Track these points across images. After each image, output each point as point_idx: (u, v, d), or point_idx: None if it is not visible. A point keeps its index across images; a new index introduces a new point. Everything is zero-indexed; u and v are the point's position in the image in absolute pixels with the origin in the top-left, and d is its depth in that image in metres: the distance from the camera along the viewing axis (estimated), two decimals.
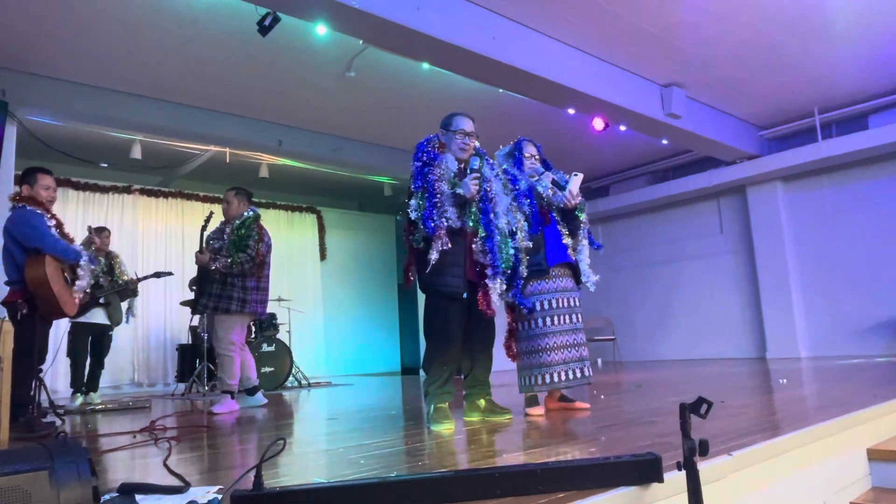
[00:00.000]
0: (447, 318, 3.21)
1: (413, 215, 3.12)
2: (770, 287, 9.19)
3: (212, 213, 5.09)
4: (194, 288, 4.82)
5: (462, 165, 3.29)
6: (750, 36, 6.24)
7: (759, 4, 5.68)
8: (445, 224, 3.07)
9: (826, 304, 8.78)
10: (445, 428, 3.00)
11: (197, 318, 7.23)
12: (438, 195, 3.11)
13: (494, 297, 3.21)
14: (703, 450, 1.53)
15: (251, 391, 5.02)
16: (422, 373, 9.38)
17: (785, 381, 4.85)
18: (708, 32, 6.15)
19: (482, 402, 3.39)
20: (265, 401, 5.10)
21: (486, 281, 3.19)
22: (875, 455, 2.69)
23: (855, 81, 7.51)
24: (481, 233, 3.18)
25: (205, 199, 9.68)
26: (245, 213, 4.84)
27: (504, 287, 3.25)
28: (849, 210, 8.66)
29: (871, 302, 8.28)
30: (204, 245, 4.82)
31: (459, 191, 3.14)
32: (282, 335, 8.16)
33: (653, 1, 5.55)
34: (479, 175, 3.18)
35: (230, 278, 4.64)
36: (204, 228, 4.90)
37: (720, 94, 7.72)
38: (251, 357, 5.00)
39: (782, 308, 9.04)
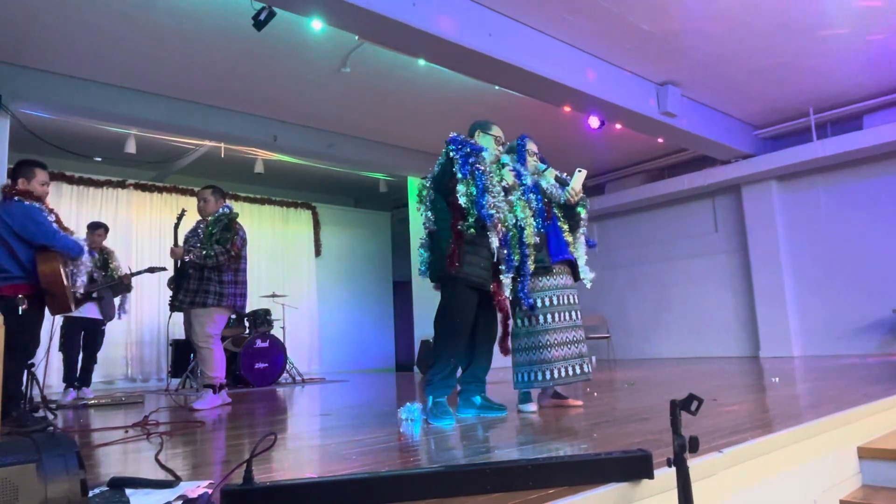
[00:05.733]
0: (465, 310, 3.26)
1: (462, 200, 3.15)
2: (764, 286, 9.21)
3: (184, 210, 5.08)
4: (173, 286, 4.82)
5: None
6: (746, 35, 6.24)
7: (754, 4, 5.69)
8: (500, 214, 3.18)
9: (820, 304, 8.81)
10: (446, 423, 3.01)
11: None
12: (491, 187, 3.19)
13: (507, 292, 3.29)
14: (694, 446, 1.54)
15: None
16: (416, 369, 9.41)
17: (777, 379, 4.86)
18: (704, 31, 6.15)
19: (478, 399, 3.41)
20: (228, 400, 4.91)
21: (501, 276, 3.30)
22: (866, 453, 2.71)
23: (850, 81, 7.52)
24: (509, 225, 3.31)
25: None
26: (220, 210, 4.85)
27: (511, 281, 3.33)
28: (843, 210, 8.68)
29: (865, 301, 8.32)
30: (180, 242, 4.84)
31: (506, 182, 3.32)
32: (276, 331, 8.15)
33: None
34: (512, 169, 3.45)
35: (206, 272, 4.66)
36: (177, 225, 4.91)
37: (716, 93, 7.73)
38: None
39: (776, 307, 9.07)
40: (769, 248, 9.21)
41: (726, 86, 7.49)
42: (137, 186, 9.32)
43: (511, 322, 3.61)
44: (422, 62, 6.33)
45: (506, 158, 3.58)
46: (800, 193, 9.11)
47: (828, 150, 8.30)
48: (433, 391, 3.21)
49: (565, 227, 3.69)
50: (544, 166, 3.78)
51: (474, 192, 3.13)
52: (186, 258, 4.64)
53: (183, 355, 7.79)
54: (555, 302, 3.53)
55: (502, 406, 3.41)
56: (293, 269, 10.81)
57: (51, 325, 6.04)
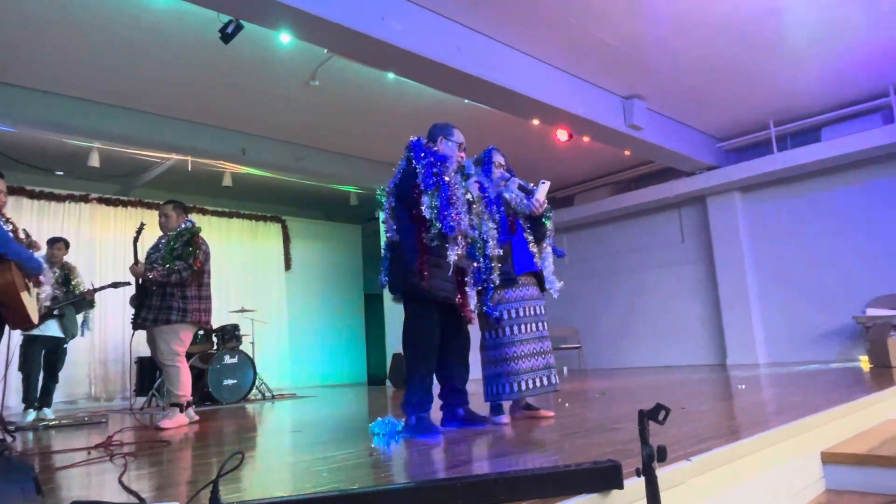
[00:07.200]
0: (433, 325, 3.20)
1: (427, 213, 3.06)
2: (729, 295, 9.40)
3: (143, 223, 4.94)
4: (135, 304, 4.70)
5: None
6: (709, 50, 6.41)
7: (718, 20, 5.85)
8: (462, 227, 3.07)
9: (783, 312, 9.02)
10: (432, 436, 2.99)
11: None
12: (455, 199, 3.08)
13: (472, 305, 3.25)
14: (662, 456, 1.55)
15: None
16: (388, 383, 9.34)
17: (743, 386, 4.95)
18: (668, 46, 6.29)
19: (460, 411, 3.39)
20: (196, 418, 4.82)
21: (466, 289, 3.25)
22: (829, 458, 2.76)
23: (808, 95, 7.77)
24: (474, 237, 3.26)
25: None
26: (181, 225, 4.78)
27: (476, 295, 3.31)
28: (804, 219, 8.92)
29: (826, 309, 8.53)
30: (141, 258, 4.72)
31: (469, 195, 3.26)
32: (245, 347, 8.03)
33: (615, 15, 5.66)
34: (477, 181, 3.40)
35: (169, 289, 4.54)
36: (136, 240, 4.79)
37: (680, 106, 7.91)
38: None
39: (741, 315, 9.25)
40: (734, 257, 9.41)
41: (690, 99, 7.67)
42: (101, 200, 9.12)
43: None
44: (391, 76, 6.35)
45: (471, 169, 3.56)
46: (762, 204, 9.34)
47: (788, 161, 8.55)
48: (414, 411, 3.15)
49: (531, 238, 3.71)
50: (508, 176, 3.80)
51: (438, 205, 3.05)
52: (149, 276, 4.52)
53: (148, 373, 7.61)
54: (521, 314, 3.53)
55: (485, 418, 3.39)
56: (263, 283, 10.67)
57: (9, 343, 5.87)
